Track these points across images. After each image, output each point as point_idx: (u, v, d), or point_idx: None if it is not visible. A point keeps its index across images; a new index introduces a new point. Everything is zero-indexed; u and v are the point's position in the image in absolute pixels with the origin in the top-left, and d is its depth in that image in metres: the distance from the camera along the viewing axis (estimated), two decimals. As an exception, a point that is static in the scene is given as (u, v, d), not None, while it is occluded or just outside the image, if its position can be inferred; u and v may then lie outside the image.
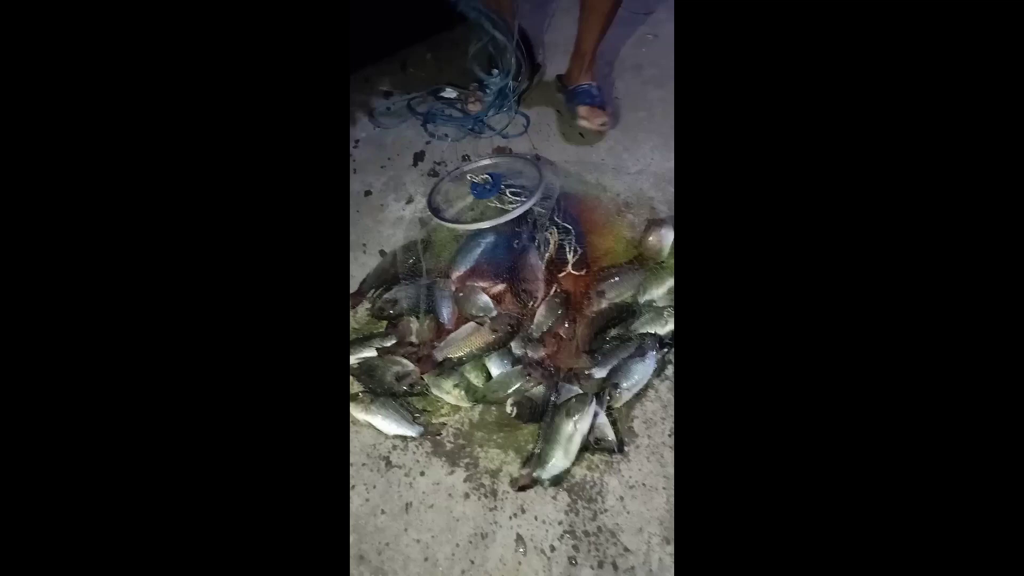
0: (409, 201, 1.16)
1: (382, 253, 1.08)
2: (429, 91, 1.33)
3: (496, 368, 0.90)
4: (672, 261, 1.00)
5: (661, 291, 0.97)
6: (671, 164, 1.18)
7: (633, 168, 1.18)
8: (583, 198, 1.13)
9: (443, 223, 1.04)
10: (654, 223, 1.04)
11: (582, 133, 1.24)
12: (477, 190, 1.10)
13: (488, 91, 1.30)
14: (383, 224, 1.13)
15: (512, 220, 1.00)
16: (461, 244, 1.06)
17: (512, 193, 1.11)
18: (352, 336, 0.95)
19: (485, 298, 0.95)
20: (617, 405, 0.85)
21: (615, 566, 0.72)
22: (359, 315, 1.00)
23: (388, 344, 0.92)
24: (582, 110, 1.21)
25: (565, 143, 1.25)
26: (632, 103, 1.31)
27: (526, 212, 1.01)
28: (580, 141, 1.25)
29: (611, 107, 1.24)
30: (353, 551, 0.75)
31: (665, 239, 1.01)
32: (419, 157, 1.24)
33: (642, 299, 0.97)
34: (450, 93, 1.33)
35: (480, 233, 1.04)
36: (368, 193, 1.19)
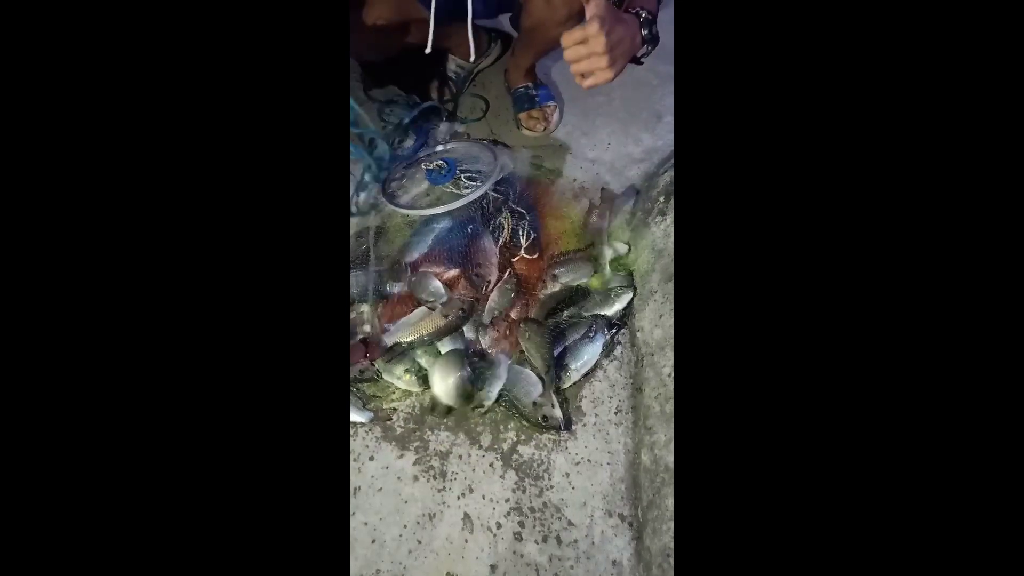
0: (362, 188, 1.17)
1: (335, 240, 1.08)
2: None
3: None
4: (615, 244, 1.02)
5: (611, 269, 1.00)
6: (628, 150, 1.20)
7: (590, 153, 1.20)
8: (538, 183, 1.15)
9: (397, 209, 1.05)
10: (597, 205, 1.07)
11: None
12: (432, 176, 1.11)
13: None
14: (336, 211, 1.13)
15: (467, 205, 1.02)
16: (415, 230, 1.07)
17: (467, 178, 1.12)
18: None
19: (436, 283, 0.96)
20: (566, 385, 0.88)
21: (559, 540, 0.75)
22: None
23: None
24: (522, 117, 1.22)
25: (522, 127, 1.26)
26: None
27: (481, 197, 1.03)
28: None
29: (555, 102, 1.25)
30: (302, 535, 0.77)
31: (604, 221, 1.04)
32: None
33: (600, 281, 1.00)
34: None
35: (434, 218, 1.05)
36: (322, 180, 1.18)
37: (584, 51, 0.69)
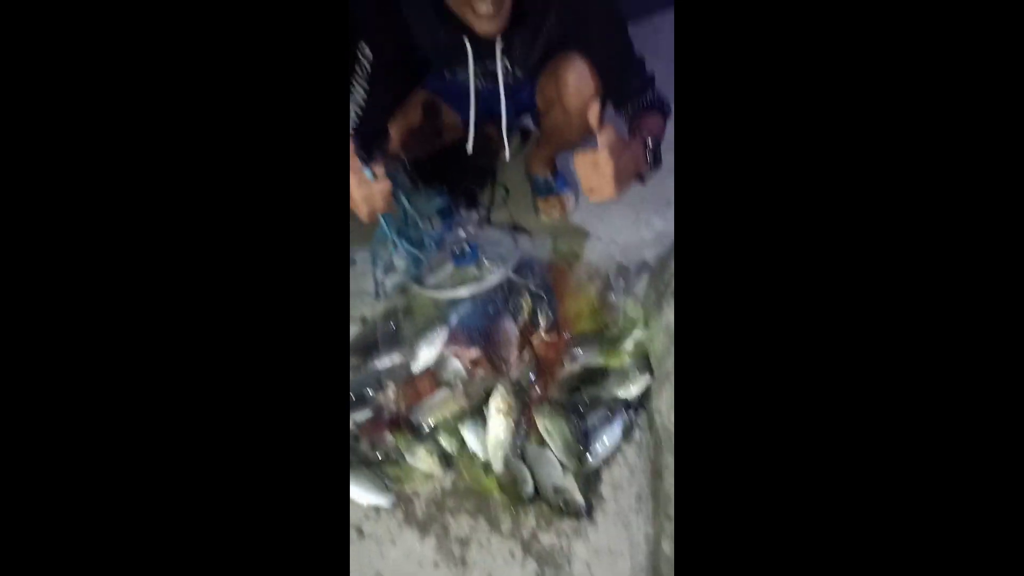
0: (390, 270, 1.25)
1: (363, 321, 1.15)
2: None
3: (470, 434, 0.95)
4: (628, 324, 1.07)
5: (628, 351, 1.04)
6: (640, 234, 1.28)
7: (604, 237, 1.28)
8: (556, 265, 1.23)
9: (424, 291, 1.13)
10: (612, 285, 1.13)
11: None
12: (457, 259, 1.20)
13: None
14: (365, 293, 1.21)
15: (489, 288, 1.09)
16: (440, 311, 1.14)
17: (489, 262, 1.20)
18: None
19: (456, 364, 1.02)
20: (587, 469, 0.90)
21: (581, 636, 0.74)
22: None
23: (363, 419, 0.97)
24: (540, 203, 1.33)
25: (541, 213, 1.36)
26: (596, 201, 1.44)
27: (502, 279, 1.11)
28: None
29: (571, 190, 1.36)
30: (322, 625, 0.77)
31: (618, 299, 1.09)
32: (414, 239, 1.34)
33: (614, 360, 1.04)
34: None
35: (458, 300, 1.13)
36: (352, 263, 1.28)
37: (593, 173, 0.80)
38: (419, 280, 1.16)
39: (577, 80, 1.05)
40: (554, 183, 1.36)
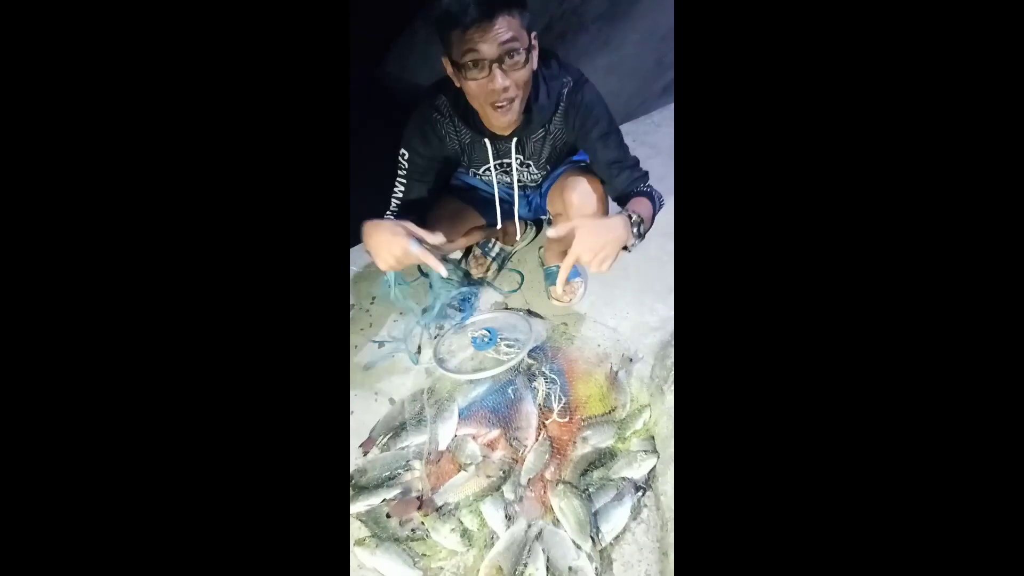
0: (417, 352, 1.39)
1: (391, 401, 1.28)
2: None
3: (490, 512, 1.04)
4: (635, 407, 1.19)
5: (635, 433, 1.15)
6: (644, 319, 1.42)
7: (611, 322, 1.42)
8: (567, 349, 1.36)
9: (447, 373, 1.26)
10: (617, 371, 1.25)
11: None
12: (477, 343, 1.34)
13: (488, 255, 1.60)
14: (394, 374, 1.34)
15: (507, 370, 1.22)
16: (461, 391, 1.26)
17: (507, 345, 1.34)
18: (363, 483, 1.11)
19: (473, 446, 1.12)
20: (599, 548, 0.98)
21: None
22: (368, 461, 1.16)
23: (393, 496, 1.07)
24: (553, 290, 1.50)
25: (552, 298, 1.51)
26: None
27: (520, 363, 1.24)
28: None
29: (581, 279, 1.52)
30: None
31: (623, 385, 1.21)
32: (427, 311, 1.50)
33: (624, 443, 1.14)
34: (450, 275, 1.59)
35: (478, 382, 1.25)
36: (381, 345, 1.42)
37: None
38: (441, 362, 1.29)
39: (580, 199, 1.24)
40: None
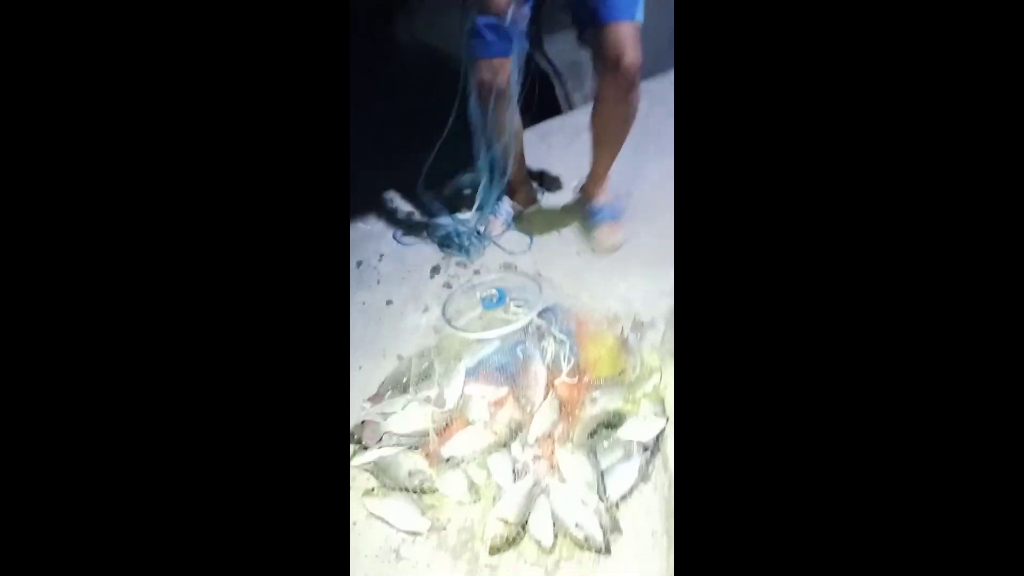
0: (425, 311, 1.39)
1: (399, 358, 1.28)
2: (447, 214, 1.60)
3: (496, 467, 1.05)
4: (645, 370, 1.19)
5: (645, 395, 1.15)
6: (658, 285, 1.41)
7: (623, 286, 1.41)
8: (577, 311, 1.35)
9: (455, 332, 1.26)
10: (628, 333, 1.25)
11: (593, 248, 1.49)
12: (486, 302, 1.34)
13: (499, 212, 1.58)
14: (402, 332, 1.35)
15: (516, 330, 1.23)
16: (469, 350, 1.26)
17: (515, 306, 1.34)
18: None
19: (481, 404, 1.14)
20: (605, 507, 1.00)
21: (599, 660, 0.83)
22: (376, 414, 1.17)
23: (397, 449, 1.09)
24: (599, 231, 1.49)
25: (562, 261, 1.50)
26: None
27: (529, 323, 1.24)
28: (575, 260, 1.50)
29: (626, 218, 1.51)
30: (362, 639, 0.87)
31: (634, 348, 1.22)
32: (435, 271, 1.49)
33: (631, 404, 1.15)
34: (466, 215, 1.60)
35: (486, 342, 1.25)
36: (390, 303, 1.42)
37: None
38: (449, 321, 1.30)
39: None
40: (613, 207, 1.52)
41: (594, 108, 1.38)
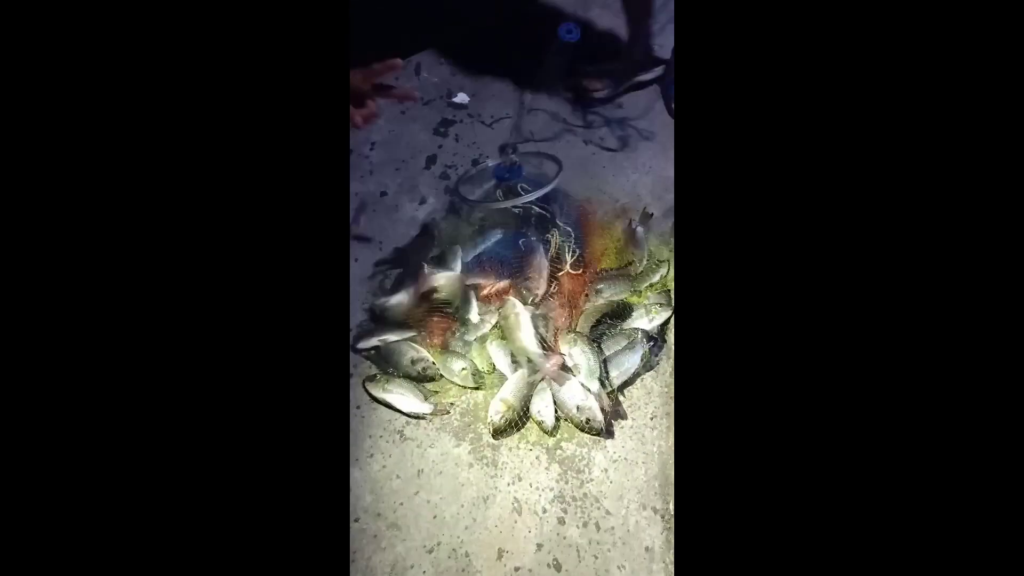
0: (422, 202, 1.33)
1: (396, 251, 1.24)
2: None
3: (498, 357, 1.06)
4: (652, 262, 1.16)
5: (651, 286, 1.14)
6: (667, 173, 1.34)
7: (632, 176, 1.34)
8: (583, 202, 1.29)
9: (465, 201, 1.21)
10: (636, 225, 1.20)
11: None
12: (500, 170, 1.25)
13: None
14: (398, 224, 1.29)
15: (520, 221, 1.17)
16: (470, 239, 1.22)
17: (523, 189, 1.26)
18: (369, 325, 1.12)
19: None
20: (608, 390, 1.02)
21: (598, 526, 0.88)
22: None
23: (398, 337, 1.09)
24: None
25: (569, 149, 1.41)
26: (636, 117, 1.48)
27: (533, 214, 1.18)
28: (583, 149, 1.41)
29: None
30: (371, 509, 0.92)
31: (641, 240, 1.18)
32: (431, 160, 1.41)
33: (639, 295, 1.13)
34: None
35: (489, 231, 1.21)
36: (384, 194, 1.35)
37: None
38: (459, 193, 1.24)
39: None
40: None
41: None
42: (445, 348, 1.08)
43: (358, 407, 1.03)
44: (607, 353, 1.05)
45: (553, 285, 1.14)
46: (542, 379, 1.02)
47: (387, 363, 1.06)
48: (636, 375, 1.04)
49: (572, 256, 1.17)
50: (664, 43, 1.49)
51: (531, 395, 1.01)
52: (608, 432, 0.98)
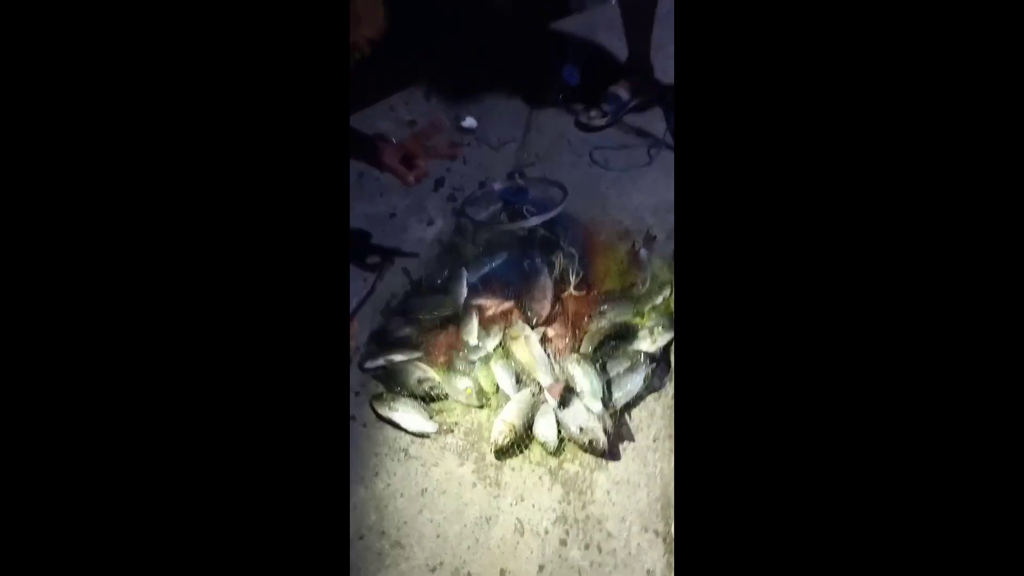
0: (430, 223, 1.37)
1: (405, 271, 1.27)
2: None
3: (502, 377, 1.08)
4: (655, 284, 1.18)
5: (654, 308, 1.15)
6: (670, 196, 1.36)
7: (636, 198, 1.37)
8: (587, 224, 1.32)
9: (471, 220, 1.25)
10: (640, 247, 1.22)
11: None
12: (507, 192, 1.29)
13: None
14: (405, 244, 1.33)
15: (525, 243, 1.20)
16: (477, 260, 1.25)
17: (528, 212, 1.29)
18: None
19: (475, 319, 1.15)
20: (610, 413, 1.03)
21: (599, 548, 0.89)
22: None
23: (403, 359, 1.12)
24: None
25: (572, 171, 1.44)
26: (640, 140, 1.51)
27: (538, 236, 1.21)
28: (586, 171, 1.44)
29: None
30: (376, 527, 0.94)
31: (644, 262, 1.19)
32: (439, 183, 1.45)
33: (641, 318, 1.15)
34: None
35: (493, 253, 1.24)
36: (392, 215, 1.39)
37: None
38: (466, 215, 1.27)
39: None
40: None
41: None
42: (450, 367, 1.10)
43: (364, 425, 1.05)
44: (610, 374, 1.06)
45: (557, 306, 1.17)
46: (545, 400, 1.04)
47: (394, 382, 1.09)
48: (639, 397, 1.05)
49: (576, 277, 1.19)
50: (665, 66, 1.53)
51: (534, 416, 1.02)
52: (611, 453, 0.99)
